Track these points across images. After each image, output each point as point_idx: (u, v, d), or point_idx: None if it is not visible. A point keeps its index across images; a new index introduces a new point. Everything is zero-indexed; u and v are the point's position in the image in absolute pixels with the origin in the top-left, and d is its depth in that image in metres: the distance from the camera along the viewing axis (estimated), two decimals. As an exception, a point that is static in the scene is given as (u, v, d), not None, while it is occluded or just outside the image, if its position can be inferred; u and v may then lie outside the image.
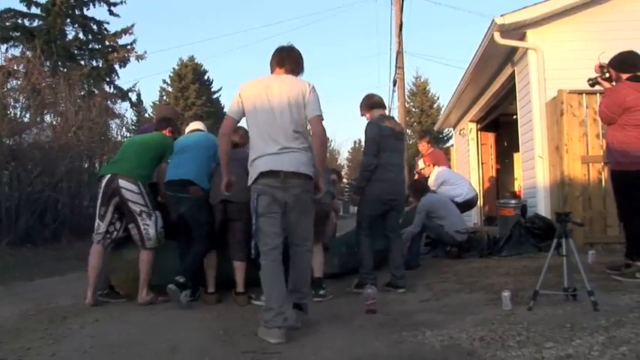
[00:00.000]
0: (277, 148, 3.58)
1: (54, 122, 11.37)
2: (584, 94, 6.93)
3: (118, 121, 15.15)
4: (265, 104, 3.65)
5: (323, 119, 3.75)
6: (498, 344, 3.13)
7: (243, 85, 3.77)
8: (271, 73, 3.88)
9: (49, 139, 10.65)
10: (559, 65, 7.71)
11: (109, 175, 5.07)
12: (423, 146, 9.36)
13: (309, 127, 3.81)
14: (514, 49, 8.59)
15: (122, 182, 4.97)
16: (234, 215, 4.98)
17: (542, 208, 7.81)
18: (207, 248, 5.02)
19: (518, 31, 7.99)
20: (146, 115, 32.75)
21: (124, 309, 4.90)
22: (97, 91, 17.01)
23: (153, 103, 40.60)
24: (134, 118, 28.13)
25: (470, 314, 3.95)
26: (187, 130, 5.69)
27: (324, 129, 3.75)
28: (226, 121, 3.85)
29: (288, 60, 3.84)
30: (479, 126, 13.86)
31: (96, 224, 5.11)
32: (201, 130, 5.60)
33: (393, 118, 6.31)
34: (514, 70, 8.91)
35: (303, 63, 3.93)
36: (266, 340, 3.49)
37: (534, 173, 8.08)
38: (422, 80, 45.47)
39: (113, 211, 5.06)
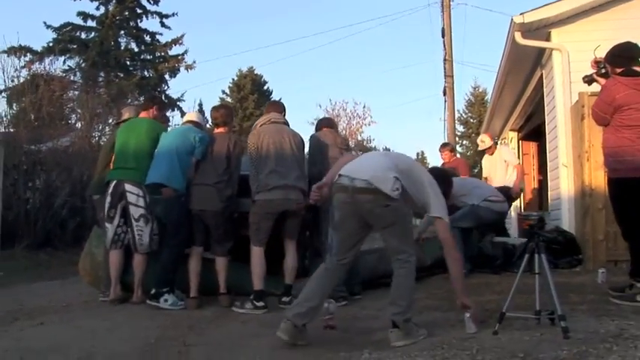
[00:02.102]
0: None
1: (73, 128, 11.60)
2: (608, 97, 6.30)
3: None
4: None
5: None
6: (431, 372, 2.73)
7: None
8: None
9: (68, 143, 10.85)
10: (586, 67, 7.08)
11: (115, 181, 5.16)
12: (446, 155, 8.98)
13: None
14: (542, 51, 8.01)
15: (128, 186, 5.09)
16: (210, 222, 5.01)
17: (567, 220, 7.17)
18: (175, 255, 5.01)
19: (541, 30, 7.39)
20: (208, 125, 33.28)
21: (83, 312, 4.80)
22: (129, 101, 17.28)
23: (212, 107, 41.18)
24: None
25: (429, 336, 3.54)
26: (182, 120, 5.79)
27: (446, 235, 3.64)
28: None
29: None
30: (520, 135, 13.16)
31: (107, 230, 5.20)
32: (193, 122, 5.49)
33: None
34: (542, 74, 8.33)
35: None
36: (188, 354, 3.33)
37: (559, 183, 7.47)
38: (480, 90, 44.19)
39: (121, 214, 5.16)
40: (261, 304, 4.65)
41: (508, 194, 7.50)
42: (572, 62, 7.23)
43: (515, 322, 3.62)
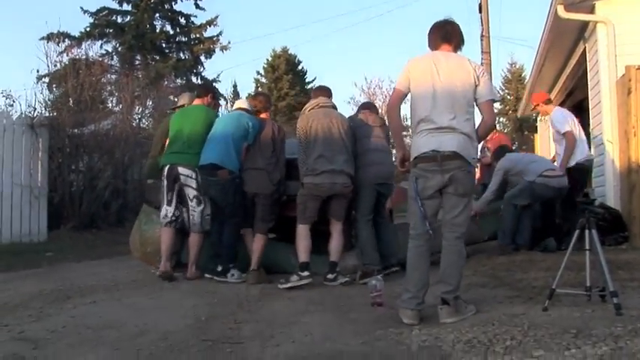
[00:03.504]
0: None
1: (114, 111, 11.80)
2: (656, 70, 6.13)
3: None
4: (429, 82, 3.46)
5: (494, 104, 3.67)
6: (482, 349, 2.73)
7: (412, 60, 3.59)
8: (433, 49, 3.63)
9: (109, 126, 11.06)
10: (632, 39, 6.90)
11: (168, 165, 5.38)
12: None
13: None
14: (585, 25, 7.80)
15: (181, 169, 5.34)
16: (261, 202, 5.24)
17: (612, 197, 7.02)
18: (236, 233, 5.28)
19: (585, 3, 7.20)
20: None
21: (131, 291, 4.90)
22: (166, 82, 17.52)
23: (249, 94, 41.25)
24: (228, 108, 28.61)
25: (477, 312, 3.54)
26: (233, 107, 5.98)
27: (494, 116, 3.66)
28: (394, 93, 3.67)
29: (454, 35, 3.63)
30: (560, 111, 12.85)
31: (163, 210, 5.41)
32: (242, 109, 5.62)
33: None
34: (585, 48, 8.12)
35: (463, 37, 3.68)
36: (239, 330, 3.39)
37: (603, 159, 7.31)
38: (517, 67, 43.24)
39: (177, 196, 5.39)
40: (305, 273, 4.75)
41: None
42: (618, 35, 7.05)
43: (563, 299, 3.60)
